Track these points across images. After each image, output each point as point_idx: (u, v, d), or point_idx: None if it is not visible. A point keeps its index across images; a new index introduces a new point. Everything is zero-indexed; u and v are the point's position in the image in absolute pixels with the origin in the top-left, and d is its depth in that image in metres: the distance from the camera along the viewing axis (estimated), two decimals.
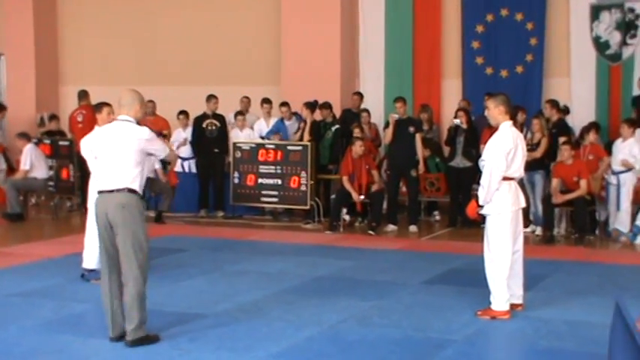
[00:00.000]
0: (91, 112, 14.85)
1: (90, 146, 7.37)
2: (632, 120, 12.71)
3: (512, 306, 7.64)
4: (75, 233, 12.66)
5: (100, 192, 6.54)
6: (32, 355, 6.30)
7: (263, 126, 14.88)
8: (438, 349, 6.60)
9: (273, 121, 14.78)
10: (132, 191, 6.42)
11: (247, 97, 15.40)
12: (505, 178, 7.51)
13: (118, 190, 6.39)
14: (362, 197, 12.91)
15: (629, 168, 12.14)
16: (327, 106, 14.33)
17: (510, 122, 7.60)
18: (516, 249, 7.71)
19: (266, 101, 14.95)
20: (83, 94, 15.74)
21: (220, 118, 14.69)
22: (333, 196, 13.66)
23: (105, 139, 6.69)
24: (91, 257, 8.74)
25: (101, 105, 9.00)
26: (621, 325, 3.52)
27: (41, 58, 18.06)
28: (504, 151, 7.42)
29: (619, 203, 12.23)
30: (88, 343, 6.66)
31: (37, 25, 17.94)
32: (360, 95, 15.14)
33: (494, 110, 7.57)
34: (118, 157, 6.48)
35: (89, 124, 14.72)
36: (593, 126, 12.89)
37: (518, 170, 7.61)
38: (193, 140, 14.74)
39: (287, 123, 14.52)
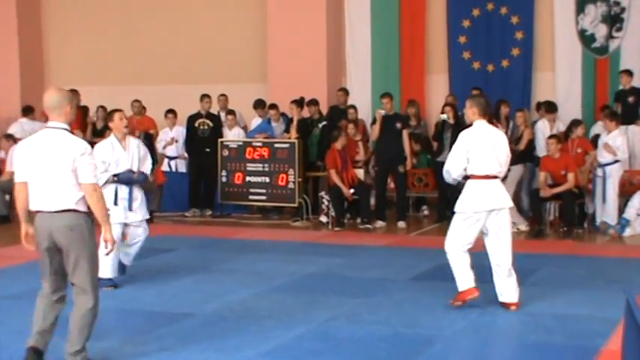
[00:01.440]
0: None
1: (22, 156, 6.00)
2: (613, 113, 12.76)
3: (509, 304, 7.66)
4: None
5: (39, 211, 5.83)
6: (23, 357, 6.26)
7: (255, 125, 14.89)
8: (428, 345, 6.60)
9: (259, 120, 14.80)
10: (79, 211, 5.79)
11: (224, 95, 15.36)
12: (473, 176, 7.61)
13: (63, 211, 5.75)
14: (352, 191, 12.91)
15: (615, 159, 12.17)
16: (314, 103, 14.32)
17: (484, 122, 7.73)
18: (495, 251, 7.71)
19: (258, 104, 14.98)
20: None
21: (214, 118, 14.66)
22: (321, 193, 13.64)
23: (38, 151, 5.84)
24: (103, 266, 8.69)
25: (112, 112, 8.94)
26: (632, 322, 3.52)
27: (26, 59, 17.97)
28: (464, 148, 7.59)
29: (605, 195, 12.26)
30: None
31: (20, 26, 17.85)
32: (346, 91, 15.13)
33: (469, 111, 7.85)
34: (56, 174, 5.74)
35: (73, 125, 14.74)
36: (579, 120, 12.98)
37: (486, 168, 7.60)
38: (186, 139, 14.72)
39: (274, 125, 14.50)
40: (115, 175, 8.62)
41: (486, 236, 7.72)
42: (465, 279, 7.67)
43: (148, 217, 9.08)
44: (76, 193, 5.74)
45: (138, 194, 8.83)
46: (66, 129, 5.84)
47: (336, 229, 12.83)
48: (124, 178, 8.66)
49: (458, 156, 7.63)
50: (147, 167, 8.95)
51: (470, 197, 7.63)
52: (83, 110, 16.35)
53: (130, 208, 8.72)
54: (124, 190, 8.70)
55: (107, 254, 6.03)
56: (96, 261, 5.97)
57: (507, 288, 7.68)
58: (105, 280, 8.55)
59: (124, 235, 8.86)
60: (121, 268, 8.92)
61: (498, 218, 7.64)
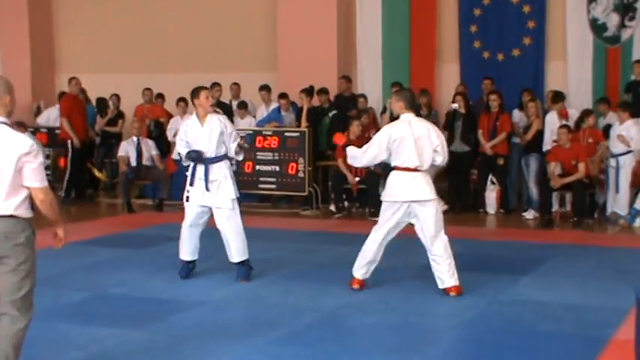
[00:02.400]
0: (72, 101, 14.84)
1: None
2: (626, 103, 12.70)
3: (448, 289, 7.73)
4: (72, 222, 12.66)
5: None
6: (30, 345, 6.26)
7: (264, 112, 14.86)
8: (437, 334, 6.59)
9: (272, 106, 14.75)
10: (18, 217, 4.98)
11: (237, 84, 15.34)
12: (397, 168, 7.74)
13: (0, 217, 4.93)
14: (357, 179, 12.88)
15: (628, 150, 12.11)
16: (324, 91, 14.29)
17: (411, 115, 7.83)
18: (424, 241, 7.83)
19: (263, 88, 14.92)
20: (69, 82, 15.49)
21: (224, 107, 14.65)
22: (330, 183, 13.64)
23: None
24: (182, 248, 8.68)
25: (199, 89, 8.59)
26: None
27: (36, 47, 17.99)
28: (384, 139, 7.70)
29: (618, 186, 12.21)
30: (86, 332, 6.64)
31: (31, 13, 17.87)
32: (348, 79, 15.05)
33: (395, 104, 7.99)
34: None
35: (73, 113, 14.72)
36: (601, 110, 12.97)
37: (406, 161, 7.67)
38: None
39: (284, 114, 14.48)
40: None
41: (415, 227, 7.83)
42: (357, 267, 7.97)
43: (230, 199, 8.39)
44: (16, 197, 4.93)
45: (218, 175, 8.39)
46: (5, 123, 4.97)
47: (337, 215, 12.83)
48: (189, 157, 8.42)
49: (373, 148, 7.77)
50: (233, 146, 8.53)
51: (390, 188, 7.79)
52: (99, 101, 16.39)
53: (207, 189, 8.36)
54: (200, 169, 8.41)
55: (59, 247, 5.40)
56: (32, 275, 5.10)
57: (443, 274, 7.72)
58: (187, 263, 8.59)
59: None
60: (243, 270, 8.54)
61: (421, 210, 7.70)
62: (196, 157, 8.36)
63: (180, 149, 8.58)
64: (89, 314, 7.28)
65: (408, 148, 7.66)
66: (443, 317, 7.11)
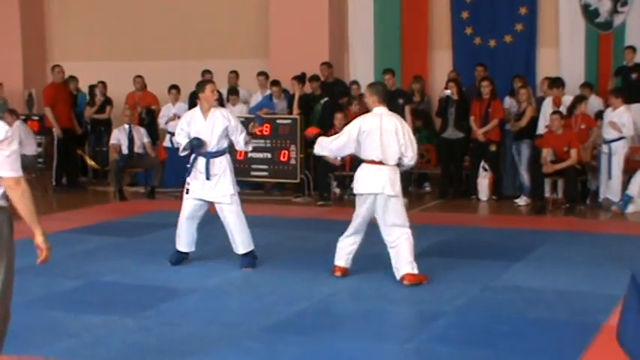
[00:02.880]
0: (56, 89, 14.76)
1: None
2: (619, 89, 12.71)
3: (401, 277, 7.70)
4: (64, 210, 12.65)
5: None
6: (23, 332, 6.27)
7: (259, 99, 14.83)
8: (430, 321, 6.61)
9: (268, 93, 14.71)
10: None
11: (235, 72, 15.31)
12: (364, 161, 7.79)
13: None
14: (339, 159, 12.84)
15: (620, 136, 12.13)
16: (315, 79, 14.26)
17: (384, 109, 7.86)
18: (382, 232, 7.84)
19: (261, 74, 14.88)
20: (52, 70, 15.41)
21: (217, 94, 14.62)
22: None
23: None
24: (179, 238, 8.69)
25: (204, 83, 8.71)
26: (636, 294, 3.52)
27: (28, 35, 17.90)
28: (355, 129, 7.75)
29: (610, 172, 12.23)
30: (78, 320, 6.64)
31: (22, 1, 17.75)
32: (329, 65, 14.98)
33: (369, 99, 8.03)
34: None
35: (57, 102, 14.65)
36: (583, 95, 12.94)
37: (373, 154, 7.70)
38: None
39: (275, 101, 14.45)
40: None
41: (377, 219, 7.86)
42: (338, 255, 8.04)
43: (229, 195, 8.39)
44: None
45: (218, 169, 8.37)
46: None
47: (320, 203, 12.85)
48: (190, 145, 8.39)
49: (343, 137, 7.85)
50: (241, 139, 8.54)
51: (357, 180, 7.88)
52: (91, 88, 16.30)
53: (208, 179, 8.32)
54: (201, 162, 8.39)
55: (40, 262, 4.75)
56: (11, 268, 4.74)
57: (398, 264, 7.72)
58: (181, 253, 8.61)
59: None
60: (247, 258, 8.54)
61: (382, 204, 7.73)
62: (198, 144, 8.33)
63: (180, 139, 8.53)
64: (82, 302, 7.27)
65: (374, 141, 7.69)
66: (434, 304, 7.12)
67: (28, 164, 14.36)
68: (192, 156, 8.45)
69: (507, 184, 13.46)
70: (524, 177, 12.87)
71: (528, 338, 6.19)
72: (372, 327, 6.46)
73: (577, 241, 9.90)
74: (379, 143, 7.69)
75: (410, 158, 7.90)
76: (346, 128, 7.92)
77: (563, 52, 14.62)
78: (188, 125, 8.48)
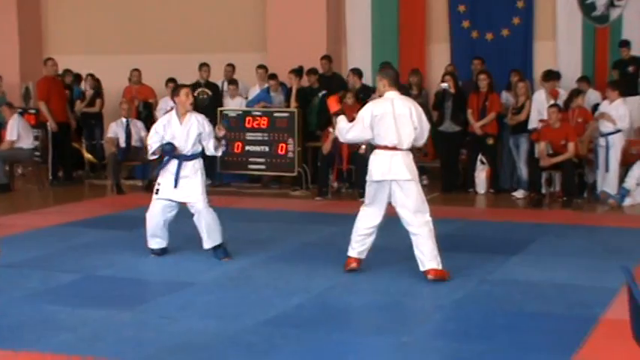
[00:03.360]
0: (49, 83, 14.71)
1: None
2: (615, 82, 12.70)
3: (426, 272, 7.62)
4: (62, 203, 12.64)
5: None
6: (20, 326, 6.28)
7: (257, 92, 14.80)
8: (427, 315, 6.61)
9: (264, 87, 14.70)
10: None
11: (231, 65, 15.28)
12: (378, 147, 7.75)
13: None
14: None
15: (617, 129, 12.12)
16: (313, 72, 14.25)
17: (395, 92, 7.82)
18: (403, 220, 7.80)
19: (260, 67, 14.85)
20: (45, 63, 15.28)
21: (213, 87, 14.61)
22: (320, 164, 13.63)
23: None
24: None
25: (178, 88, 8.76)
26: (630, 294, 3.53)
27: (24, 28, 17.86)
28: (367, 115, 7.69)
29: (608, 165, 12.22)
30: (75, 314, 6.64)
31: None
32: (329, 59, 14.96)
33: (379, 83, 7.98)
34: None
35: (51, 96, 14.61)
36: (580, 89, 12.94)
37: (386, 138, 7.65)
38: None
39: (273, 94, 14.44)
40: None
41: (395, 207, 7.82)
42: (351, 246, 7.97)
43: (199, 194, 8.51)
44: None
45: (189, 171, 8.51)
46: None
47: (317, 198, 12.83)
48: (162, 150, 8.51)
49: (358, 125, 7.77)
50: (210, 145, 8.62)
51: (370, 168, 7.84)
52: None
53: (176, 185, 8.47)
54: (173, 164, 8.51)
55: None
56: None
57: (423, 256, 7.65)
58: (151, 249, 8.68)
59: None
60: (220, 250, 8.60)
61: (398, 190, 7.72)
62: (170, 149, 8.45)
63: (153, 142, 8.61)
64: (79, 296, 7.27)
65: (388, 125, 7.63)
66: (432, 297, 7.12)
67: (24, 158, 14.40)
68: (165, 158, 8.56)
69: (505, 178, 13.45)
70: (523, 171, 12.86)
71: (526, 332, 6.19)
72: (370, 320, 6.46)
73: (574, 234, 9.91)
74: (394, 127, 7.62)
75: (422, 142, 7.96)
76: (359, 115, 7.81)
77: (559, 45, 14.62)
78: (164, 129, 8.57)
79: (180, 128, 8.49)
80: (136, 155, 13.96)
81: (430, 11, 15.54)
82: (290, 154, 13.57)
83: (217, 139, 8.65)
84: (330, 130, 12.87)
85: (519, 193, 12.79)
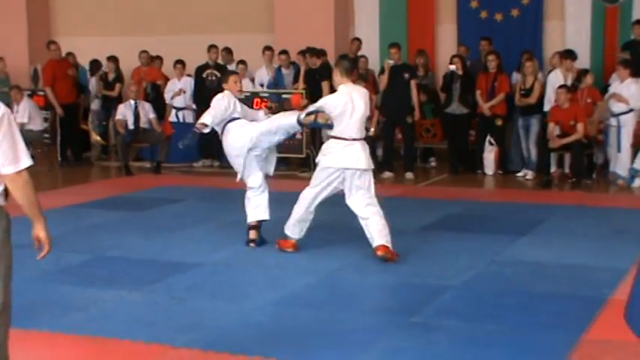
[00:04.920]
0: (54, 66, 14.71)
1: None
2: (627, 61, 12.60)
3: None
4: (71, 185, 12.68)
5: None
6: (31, 306, 6.31)
7: (264, 74, 14.77)
8: (436, 295, 6.62)
9: (273, 68, 14.65)
10: None
11: (227, 49, 15.21)
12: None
13: None
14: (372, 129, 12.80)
15: (630, 109, 12.04)
16: (322, 53, 14.20)
17: (349, 83, 7.90)
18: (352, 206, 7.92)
19: (268, 48, 14.81)
20: (47, 47, 15.27)
21: (222, 68, 14.58)
22: None
23: None
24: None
25: (227, 74, 8.82)
26: None
27: (32, 10, 17.83)
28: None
29: (619, 145, 12.15)
30: (86, 294, 6.67)
31: None
32: (359, 41, 14.93)
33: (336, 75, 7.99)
34: None
35: (57, 79, 14.62)
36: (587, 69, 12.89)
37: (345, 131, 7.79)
38: (194, 90, 14.67)
39: (284, 72, 14.43)
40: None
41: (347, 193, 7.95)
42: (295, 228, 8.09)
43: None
44: None
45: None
46: None
47: None
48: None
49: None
50: (260, 115, 8.82)
51: (326, 154, 8.04)
52: (91, 63, 16.23)
53: None
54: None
55: (40, 258, 4.37)
56: (8, 274, 4.33)
57: (371, 234, 7.69)
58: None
59: None
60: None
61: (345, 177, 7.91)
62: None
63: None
64: (89, 276, 7.30)
65: (345, 117, 7.75)
66: (441, 277, 7.13)
67: (34, 139, 14.42)
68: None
69: (514, 159, 13.41)
70: (532, 152, 12.79)
71: (534, 312, 6.20)
72: (380, 301, 6.49)
73: (583, 215, 9.90)
74: (348, 119, 7.75)
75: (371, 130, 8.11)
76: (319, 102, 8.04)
77: (569, 25, 14.53)
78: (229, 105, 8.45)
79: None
80: (144, 137, 13.97)
81: None
82: (298, 136, 13.54)
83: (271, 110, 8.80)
84: None
85: (528, 174, 12.74)
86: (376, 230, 7.64)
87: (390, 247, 7.57)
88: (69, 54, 15.87)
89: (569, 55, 12.93)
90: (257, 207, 8.43)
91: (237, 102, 8.45)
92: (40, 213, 4.26)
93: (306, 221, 8.10)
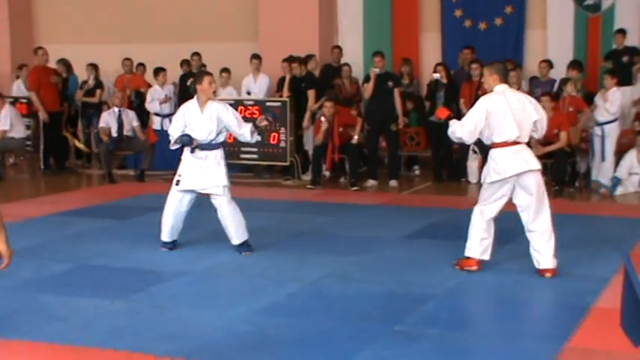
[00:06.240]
0: (40, 72, 14.63)
1: None
2: (613, 71, 12.69)
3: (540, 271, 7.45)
4: (54, 193, 12.62)
5: None
6: (12, 315, 6.28)
7: (251, 82, 14.76)
8: (419, 303, 6.62)
9: (261, 77, 14.64)
10: None
11: (198, 54, 15.21)
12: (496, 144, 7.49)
13: None
14: (321, 138, 12.80)
15: (614, 118, 12.12)
16: (306, 61, 14.22)
17: (505, 86, 7.55)
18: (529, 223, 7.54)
19: (255, 57, 14.80)
20: (35, 52, 15.11)
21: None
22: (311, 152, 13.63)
23: None
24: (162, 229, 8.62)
25: (202, 75, 8.46)
26: (627, 280, 3.53)
27: (15, 16, 17.78)
28: (481, 112, 7.41)
29: (604, 154, 12.23)
30: (68, 303, 6.63)
31: None
32: (340, 49, 15.02)
33: (489, 78, 7.61)
34: None
35: (42, 85, 14.54)
36: (569, 77, 12.95)
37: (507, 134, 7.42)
38: (178, 98, 14.64)
39: (257, 76, 14.51)
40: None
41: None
42: (473, 246, 7.62)
43: (222, 186, 8.31)
44: None
45: (211, 162, 8.29)
46: None
47: (309, 187, 12.82)
48: (180, 141, 8.28)
49: (470, 125, 7.51)
50: (245, 130, 8.41)
51: (497, 164, 7.52)
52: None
53: (195, 175, 8.28)
54: (192, 154, 8.30)
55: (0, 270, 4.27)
56: None
57: (540, 255, 7.44)
58: (165, 242, 8.55)
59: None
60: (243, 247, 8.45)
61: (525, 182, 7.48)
62: (187, 141, 8.24)
63: (174, 131, 8.38)
64: (71, 285, 7.26)
65: (506, 119, 7.36)
66: (424, 286, 7.13)
67: (16, 147, 14.36)
68: (186, 149, 8.36)
69: None
70: None
71: (517, 320, 6.21)
72: (362, 309, 6.47)
73: (566, 224, 9.88)
74: (512, 121, 7.36)
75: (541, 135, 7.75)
76: (471, 111, 7.57)
77: (551, 34, 14.62)
78: (183, 117, 8.36)
79: (201, 116, 8.26)
80: (128, 145, 13.93)
81: (423, 0, 15.51)
82: (282, 144, 13.55)
83: (256, 127, 8.49)
84: (322, 119, 12.90)
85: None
86: None
87: None
88: (61, 60, 15.81)
89: (576, 65, 13.01)
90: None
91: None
92: (1, 225, 4.23)
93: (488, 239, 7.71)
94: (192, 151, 8.26)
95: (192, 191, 8.40)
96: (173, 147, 8.53)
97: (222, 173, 8.33)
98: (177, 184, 8.42)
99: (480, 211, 7.63)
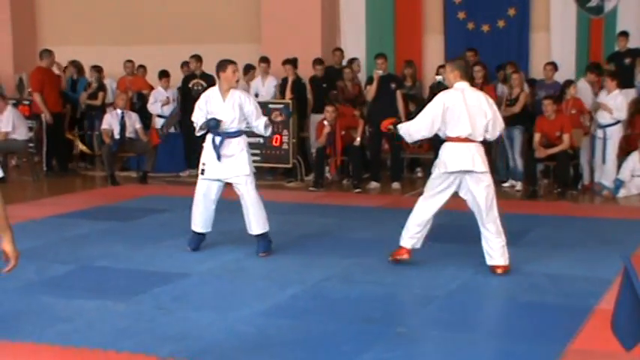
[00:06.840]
0: (43, 74, 14.64)
1: None
2: (614, 72, 12.69)
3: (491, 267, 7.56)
4: (56, 195, 12.63)
5: None
6: (15, 317, 6.28)
7: (259, 84, 14.74)
8: (422, 305, 6.62)
9: (269, 79, 14.61)
10: None
11: (199, 56, 15.21)
12: (450, 138, 7.59)
13: None
14: (323, 141, 12.81)
15: (616, 121, 12.11)
16: (318, 62, 14.22)
17: (465, 83, 7.63)
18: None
19: (263, 60, 14.78)
20: (42, 55, 15.08)
21: (208, 78, 14.56)
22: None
23: None
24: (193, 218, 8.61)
25: (225, 63, 8.35)
26: (628, 283, 3.53)
27: (18, 18, 17.82)
28: (438, 107, 7.48)
29: (605, 157, 12.23)
30: (71, 305, 6.63)
31: None
32: (341, 51, 15.02)
33: (450, 74, 7.73)
34: None
35: (45, 86, 14.55)
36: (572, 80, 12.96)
37: (460, 130, 7.50)
38: (181, 100, 14.64)
39: (264, 80, 14.46)
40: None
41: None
42: (404, 236, 7.85)
43: (244, 175, 8.29)
44: None
45: (234, 149, 8.27)
46: None
47: (311, 189, 12.82)
48: (207, 125, 8.23)
49: (425, 120, 7.61)
50: (259, 123, 8.42)
51: (444, 158, 7.72)
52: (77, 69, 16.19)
53: (219, 160, 8.22)
54: (216, 140, 8.24)
55: (6, 272, 4.28)
56: None
57: (493, 252, 7.56)
58: (197, 234, 8.53)
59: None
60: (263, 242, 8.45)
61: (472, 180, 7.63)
62: (215, 125, 8.18)
63: (198, 118, 8.38)
64: (74, 287, 7.26)
65: (461, 116, 7.43)
66: (427, 288, 7.13)
67: (18, 149, 14.37)
68: (209, 135, 8.34)
69: (499, 169, 13.44)
70: (518, 162, 12.83)
71: (520, 322, 6.21)
72: (365, 311, 6.47)
73: (569, 226, 9.93)
74: (467, 118, 7.43)
75: (494, 135, 7.74)
76: (428, 106, 7.61)
77: (554, 36, 14.63)
78: (206, 104, 8.35)
79: (223, 104, 8.24)
80: (130, 147, 13.94)
81: (426, 2, 15.52)
82: (285, 146, 13.56)
83: (271, 121, 8.55)
84: (325, 122, 12.90)
85: (512, 184, 12.78)
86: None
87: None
88: (72, 62, 15.84)
89: (595, 68, 13.01)
90: None
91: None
92: (7, 226, 4.25)
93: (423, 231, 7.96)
94: (219, 134, 8.21)
95: (217, 180, 8.38)
96: (198, 133, 8.49)
97: (245, 161, 8.31)
98: (202, 173, 8.41)
99: (422, 200, 7.88)
